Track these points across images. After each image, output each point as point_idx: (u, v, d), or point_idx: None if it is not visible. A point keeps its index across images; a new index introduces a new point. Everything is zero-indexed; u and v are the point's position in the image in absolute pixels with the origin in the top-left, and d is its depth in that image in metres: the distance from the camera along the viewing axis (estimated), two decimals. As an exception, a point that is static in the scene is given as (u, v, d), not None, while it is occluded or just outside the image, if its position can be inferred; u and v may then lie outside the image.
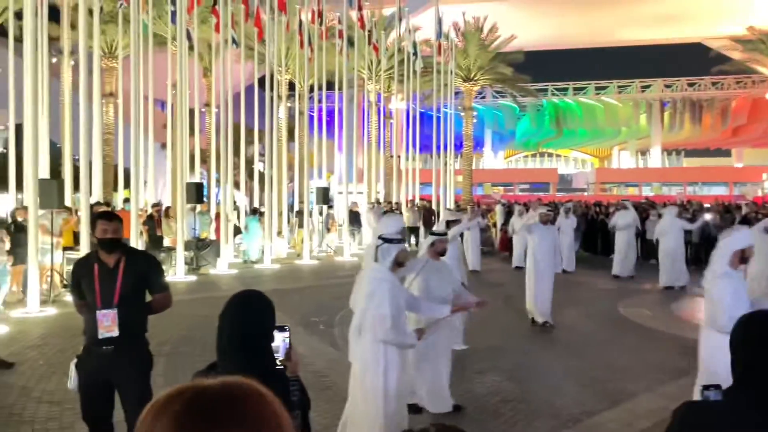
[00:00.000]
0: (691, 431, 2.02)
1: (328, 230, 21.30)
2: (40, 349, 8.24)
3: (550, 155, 61.60)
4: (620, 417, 5.96)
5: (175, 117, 17.46)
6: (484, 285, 13.55)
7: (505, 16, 35.25)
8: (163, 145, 24.53)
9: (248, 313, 2.49)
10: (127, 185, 18.89)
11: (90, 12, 14.60)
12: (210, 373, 2.34)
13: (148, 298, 4.23)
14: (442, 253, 6.10)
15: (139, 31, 15.20)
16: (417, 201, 25.70)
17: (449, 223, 8.60)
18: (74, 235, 12.81)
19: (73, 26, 16.45)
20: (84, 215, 12.18)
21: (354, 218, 21.62)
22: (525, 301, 9.98)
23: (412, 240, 20.70)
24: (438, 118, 27.31)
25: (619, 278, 15.06)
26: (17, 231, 11.07)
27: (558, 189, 48.93)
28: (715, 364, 4.20)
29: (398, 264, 4.74)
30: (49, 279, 11.32)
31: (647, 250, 17.28)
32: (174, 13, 16.41)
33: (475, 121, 37.57)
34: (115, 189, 23.89)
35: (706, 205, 21.35)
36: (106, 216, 4.21)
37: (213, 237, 16.99)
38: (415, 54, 26.04)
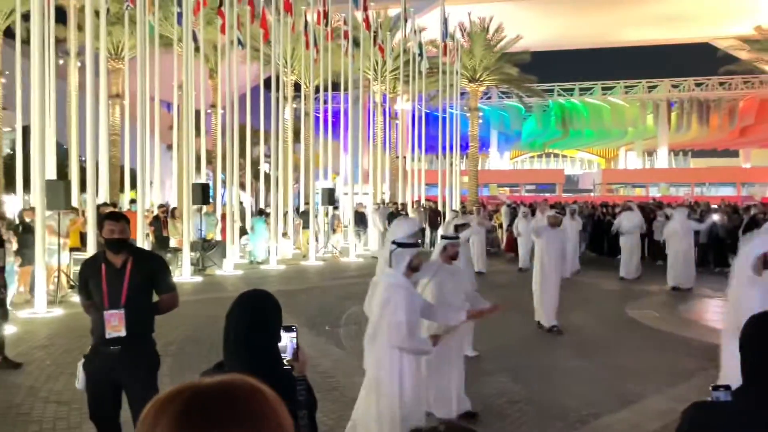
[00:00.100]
0: (701, 431, 2.00)
1: (334, 231, 21.31)
2: (48, 349, 8.27)
3: (556, 156, 61.35)
4: (628, 418, 5.94)
5: (181, 118, 17.51)
6: (491, 287, 13.52)
7: (510, 16, 35.14)
8: (170, 146, 24.63)
9: (255, 313, 2.49)
10: (133, 186, 18.94)
11: (96, 13, 14.64)
12: (217, 372, 2.33)
13: (155, 298, 4.23)
14: (455, 257, 5.99)
15: (146, 32, 15.27)
16: (423, 202, 25.68)
17: (458, 228, 8.57)
18: (81, 236, 12.87)
19: (80, 28, 16.51)
20: (91, 216, 12.24)
21: (359, 219, 21.63)
22: (532, 303, 9.94)
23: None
24: (444, 118, 27.26)
25: (625, 280, 15.02)
26: (25, 232, 11.12)
27: (564, 190, 48.70)
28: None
29: (412, 269, 4.66)
30: (56, 280, 11.35)
31: (654, 251, 17.22)
32: (180, 15, 16.45)
33: (480, 121, 37.42)
34: (122, 190, 23.98)
35: (714, 206, 21.26)
36: (113, 216, 4.21)
37: (219, 238, 17.02)
38: (420, 54, 25.96)
